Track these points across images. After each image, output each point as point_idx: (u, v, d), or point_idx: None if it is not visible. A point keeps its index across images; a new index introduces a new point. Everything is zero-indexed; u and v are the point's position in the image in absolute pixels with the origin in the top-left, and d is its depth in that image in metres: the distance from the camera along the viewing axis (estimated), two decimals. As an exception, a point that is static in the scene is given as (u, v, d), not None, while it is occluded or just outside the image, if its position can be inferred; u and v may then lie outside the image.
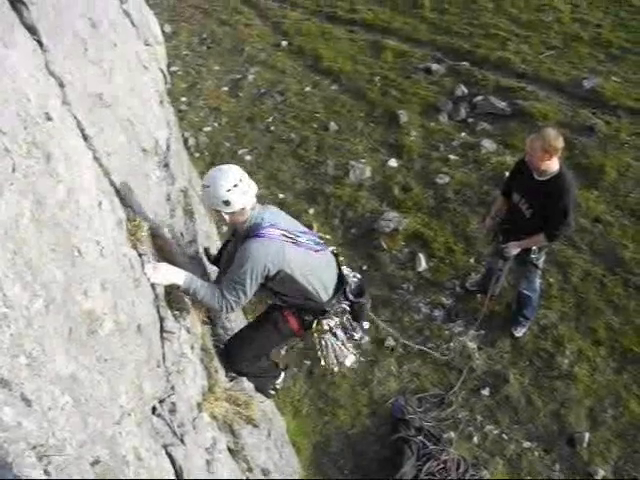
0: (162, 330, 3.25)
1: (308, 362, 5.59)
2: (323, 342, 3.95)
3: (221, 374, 3.80)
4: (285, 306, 3.78)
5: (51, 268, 2.11)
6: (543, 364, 5.41)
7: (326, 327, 3.88)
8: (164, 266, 3.31)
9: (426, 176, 7.25)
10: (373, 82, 8.77)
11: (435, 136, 7.80)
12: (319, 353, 3.98)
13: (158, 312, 3.30)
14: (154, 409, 2.84)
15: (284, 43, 9.96)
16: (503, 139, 7.55)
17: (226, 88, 9.10)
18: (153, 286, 3.36)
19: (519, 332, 5.58)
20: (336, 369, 4.06)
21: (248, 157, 7.75)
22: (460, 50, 9.10)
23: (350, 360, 4.10)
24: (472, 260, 6.27)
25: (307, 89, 8.88)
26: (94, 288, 2.43)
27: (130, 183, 3.58)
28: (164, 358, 3.17)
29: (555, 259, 6.09)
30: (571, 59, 8.65)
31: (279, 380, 4.54)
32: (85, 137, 2.94)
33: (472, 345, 5.60)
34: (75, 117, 2.84)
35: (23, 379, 1.61)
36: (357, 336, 4.08)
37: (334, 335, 3.95)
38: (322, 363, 4.01)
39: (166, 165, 4.65)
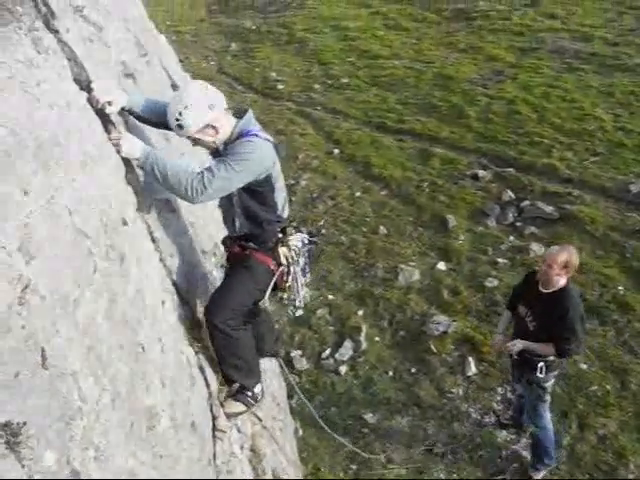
0: (214, 428, 3.31)
1: (354, 467, 5.46)
2: (292, 271, 3.58)
3: (269, 476, 3.77)
4: (251, 247, 3.45)
5: (118, 363, 2.25)
6: (605, 478, 5.11)
7: (293, 247, 3.55)
8: (129, 137, 2.86)
9: (475, 279, 7.28)
10: (421, 188, 9.05)
11: (483, 240, 7.90)
12: (289, 282, 3.60)
13: (211, 410, 3.36)
14: (203, 509, 2.85)
15: (336, 151, 10.46)
16: (551, 242, 7.56)
17: (279, 193, 9.50)
18: (207, 384, 3.45)
19: (537, 475, 5.16)
20: (298, 302, 3.72)
21: (299, 258, 7.95)
22: (505, 157, 9.36)
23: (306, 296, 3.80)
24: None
25: (357, 194, 9.20)
26: (155, 384, 2.55)
27: (190, 283, 3.77)
28: (214, 457, 3.20)
29: (612, 365, 5.91)
30: (616, 165, 8.78)
31: (258, 388, 3.66)
32: (154, 240, 3.17)
33: (526, 454, 5.37)
34: (146, 222, 3.08)
35: (91, 471, 1.70)
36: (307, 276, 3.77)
37: (298, 262, 3.59)
38: (290, 296, 3.71)
39: (222, 266, 4.86)
